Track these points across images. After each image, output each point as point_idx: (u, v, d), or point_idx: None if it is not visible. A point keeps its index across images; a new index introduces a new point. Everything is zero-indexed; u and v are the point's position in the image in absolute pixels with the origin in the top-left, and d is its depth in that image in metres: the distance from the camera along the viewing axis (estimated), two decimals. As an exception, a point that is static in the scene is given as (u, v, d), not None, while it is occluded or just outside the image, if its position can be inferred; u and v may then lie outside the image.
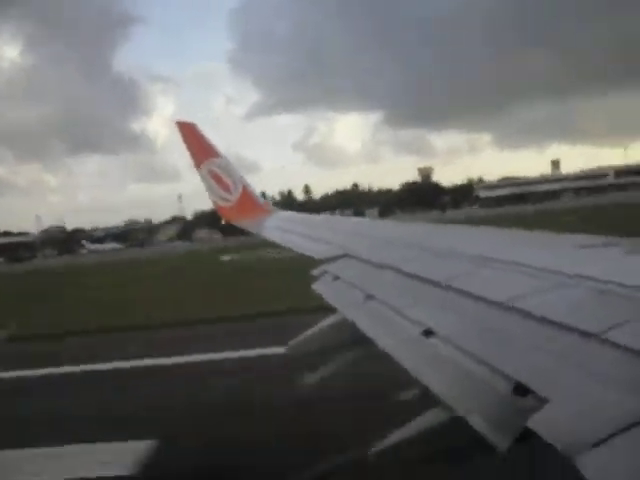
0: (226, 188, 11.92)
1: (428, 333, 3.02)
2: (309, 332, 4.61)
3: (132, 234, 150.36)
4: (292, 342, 4.66)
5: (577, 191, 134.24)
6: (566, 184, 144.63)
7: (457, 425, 2.28)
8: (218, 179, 11.89)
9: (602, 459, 1.64)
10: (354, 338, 3.78)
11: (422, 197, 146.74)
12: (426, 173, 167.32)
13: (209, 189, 11.95)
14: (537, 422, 1.89)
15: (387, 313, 3.63)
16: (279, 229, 9.70)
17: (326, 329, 4.44)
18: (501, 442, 2.02)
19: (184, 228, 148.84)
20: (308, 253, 6.52)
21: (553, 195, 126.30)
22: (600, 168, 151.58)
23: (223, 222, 12.39)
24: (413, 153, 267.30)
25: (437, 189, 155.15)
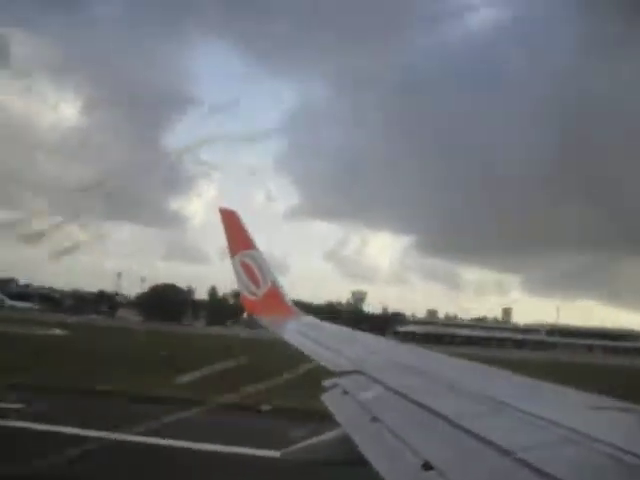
0: (255, 281, 12.04)
1: (428, 467, 2.99)
2: (308, 441, 4.56)
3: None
4: (287, 450, 4.61)
5: (501, 341, 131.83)
6: (491, 333, 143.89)
7: None
8: (249, 271, 12.04)
9: None
10: (352, 456, 3.73)
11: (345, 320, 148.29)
12: (359, 297, 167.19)
13: (238, 279, 12.08)
14: None
15: (390, 438, 3.60)
16: (300, 333, 9.70)
17: (326, 442, 4.39)
18: None
19: (112, 304, 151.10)
20: (323, 362, 6.52)
21: (479, 341, 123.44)
22: (544, 325, 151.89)
23: (246, 314, 12.45)
24: (440, 281, 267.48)
25: (360, 315, 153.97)
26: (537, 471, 2.61)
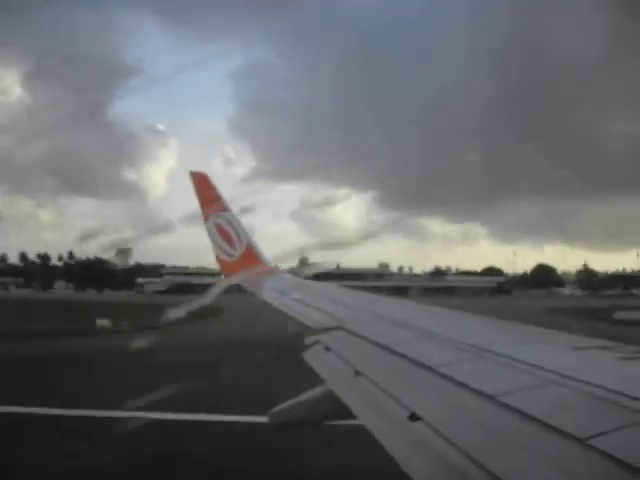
0: (231, 242, 11.96)
1: (414, 417, 3.00)
2: (293, 401, 4.57)
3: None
4: (275, 410, 4.60)
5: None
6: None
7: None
8: (224, 232, 11.95)
9: None
10: (339, 412, 3.75)
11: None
12: (123, 253, 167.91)
13: (213, 241, 11.99)
14: None
15: (375, 392, 3.61)
16: (278, 291, 9.69)
17: (311, 400, 4.40)
18: None
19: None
20: (303, 320, 6.52)
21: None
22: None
23: (222, 276, 12.40)
24: (407, 236, 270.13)
25: (106, 270, 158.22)
26: (522, 415, 2.64)
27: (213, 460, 11.72)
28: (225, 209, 12.11)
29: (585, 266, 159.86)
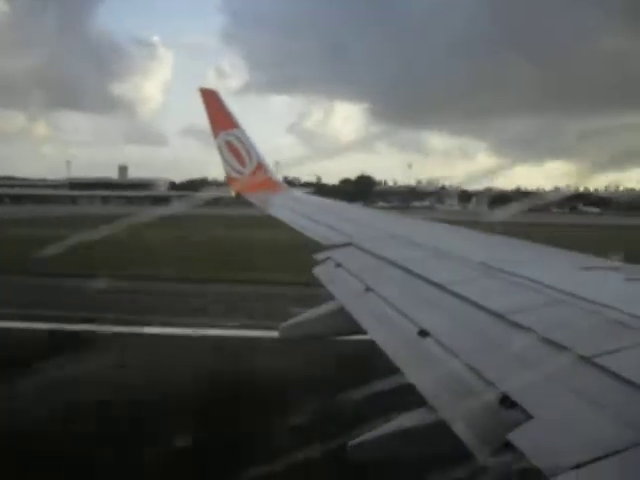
0: (241, 160, 11.89)
1: (424, 334, 3.04)
2: (303, 316, 4.62)
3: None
4: (285, 325, 4.66)
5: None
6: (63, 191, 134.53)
7: (440, 429, 2.30)
8: (234, 150, 11.86)
9: None
10: (350, 328, 3.80)
11: None
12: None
13: (223, 159, 11.92)
14: (519, 437, 1.91)
15: (385, 308, 3.65)
16: (287, 208, 9.68)
17: (322, 315, 4.45)
18: (481, 452, 2.04)
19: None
20: (313, 237, 6.53)
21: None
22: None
23: (233, 193, 12.39)
24: (405, 149, 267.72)
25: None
26: (529, 332, 2.67)
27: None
28: (235, 126, 11.97)
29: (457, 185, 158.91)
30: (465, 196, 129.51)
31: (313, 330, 4.55)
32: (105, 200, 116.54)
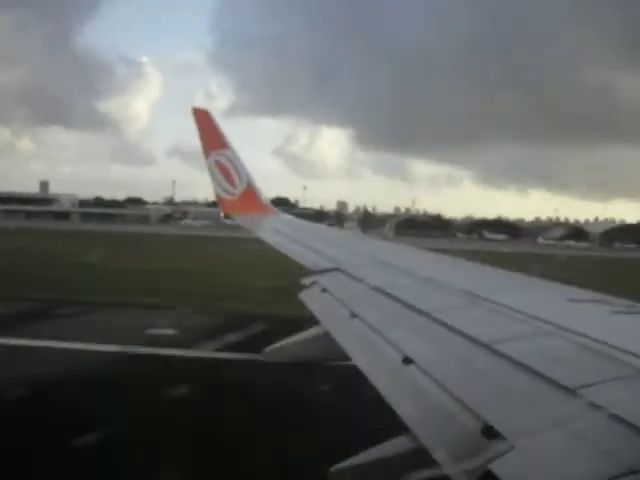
0: (231, 181, 11.90)
1: (408, 361, 3.03)
2: (288, 340, 4.60)
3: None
4: (269, 348, 4.64)
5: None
6: None
7: (422, 457, 2.29)
8: (224, 170, 11.87)
9: None
10: (334, 353, 3.78)
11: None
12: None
13: (213, 179, 11.92)
14: (500, 467, 1.91)
15: (370, 335, 3.64)
16: (277, 232, 9.68)
17: (306, 340, 4.43)
18: None
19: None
20: (300, 261, 6.53)
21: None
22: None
23: (222, 215, 12.38)
24: (392, 176, 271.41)
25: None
26: (514, 363, 2.67)
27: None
28: (226, 146, 12.00)
29: (365, 208, 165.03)
30: (367, 219, 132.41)
31: (297, 354, 4.53)
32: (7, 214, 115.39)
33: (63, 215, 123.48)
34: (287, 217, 12.60)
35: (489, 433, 2.15)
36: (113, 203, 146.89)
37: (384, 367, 3.15)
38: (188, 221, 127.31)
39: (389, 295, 4.37)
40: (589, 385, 2.28)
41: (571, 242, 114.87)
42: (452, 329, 3.32)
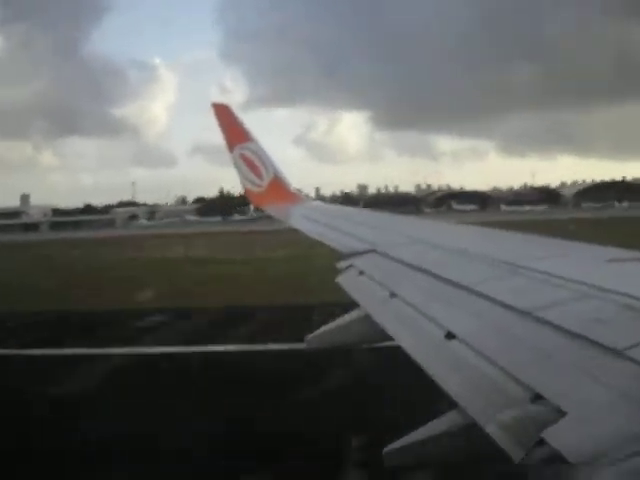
0: (257, 173, 11.94)
1: (450, 336, 3.03)
2: (329, 326, 4.61)
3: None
4: (311, 336, 4.66)
5: None
6: None
7: (473, 431, 2.29)
8: (250, 163, 11.92)
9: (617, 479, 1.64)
10: (376, 335, 3.79)
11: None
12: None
13: (240, 173, 11.98)
14: (553, 435, 1.90)
15: (411, 313, 3.64)
16: (307, 218, 9.69)
17: (347, 324, 4.44)
18: (516, 452, 2.03)
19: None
20: (334, 245, 6.54)
21: None
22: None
23: (252, 207, 12.44)
24: (415, 155, 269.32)
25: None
26: (557, 328, 2.65)
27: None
28: (250, 139, 12.03)
29: (387, 188, 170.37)
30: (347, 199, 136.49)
31: (340, 339, 4.55)
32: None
33: (32, 226, 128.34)
34: (316, 203, 12.61)
35: (539, 401, 2.15)
36: (89, 210, 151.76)
37: (427, 344, 3.15)
38: (143, 221, 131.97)
39: (427, 272, 4.35)
40: (636, 345, 2.26)
41: (540, 207, 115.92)
42: (492, 300, 3.30)
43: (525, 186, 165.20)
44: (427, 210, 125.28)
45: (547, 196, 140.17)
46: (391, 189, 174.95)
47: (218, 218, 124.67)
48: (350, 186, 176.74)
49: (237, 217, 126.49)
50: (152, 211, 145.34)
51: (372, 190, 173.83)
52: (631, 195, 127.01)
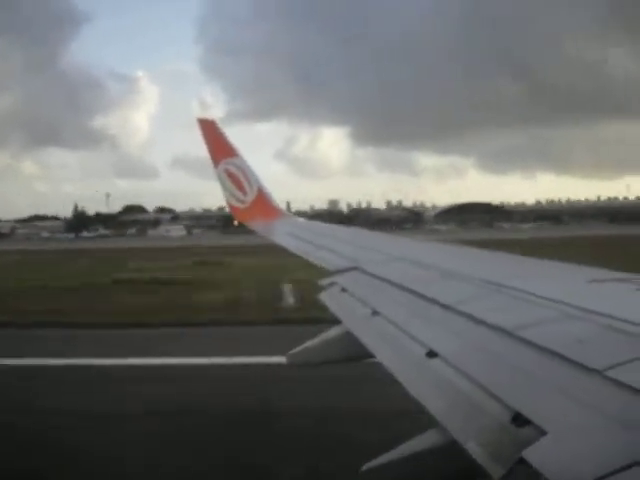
0: (241, 188, 11.92)
1: (432, 354, 3.02)
2: (311, 342, 4.60)
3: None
4: (293, 351, 4.64)
5: None
6: None
7: (452, 449, 2.28)
8: (234, 179, 11.90)
9: None
10: (358, 352, 3.78)
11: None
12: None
13: (224, 188, 11.96)
14: (533, 454, 1.89)
15: (392, 331, 3.63)
16: (291, 235, 9.69)
17: (329, 341, 4.43)
18: (495, 470, 2.02)
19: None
20: (318, 262, 6.53)
21: None
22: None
23: (235, 223, 12.42)
24: (396, 170, 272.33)
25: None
26: (539, 348, 2.65)
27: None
28: (235, 155, 12.02)
29: (359, 205, 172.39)
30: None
31: (321, 356, 4.53)
32: None
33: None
34: (300, 220, 12.60)
35: (519, 421, 2.14)
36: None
37: (408, 362, 3.14)
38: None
39: (409, 290, 4.35)
40: (617, 365, 2.26)
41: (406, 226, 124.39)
42: (474, 319, 3.30)
43: (390, 204, 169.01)
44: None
45: (414, 216, 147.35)
46: (364, 205, 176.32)
47: (72, 235, 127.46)
48: (324, 201, 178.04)
49: (85, 234, 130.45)
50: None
51: (342, 206, 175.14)
52: (497, 217, 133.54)
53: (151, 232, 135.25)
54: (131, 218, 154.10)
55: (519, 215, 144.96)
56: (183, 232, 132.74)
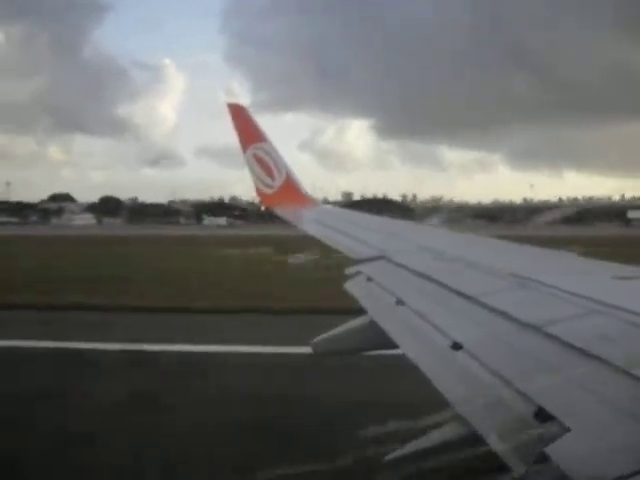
0: (270, 173, 11.93)
1: (457, 346, 3.02)
2: (335, 331, 4.62)
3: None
4: (317, 340, 4.66)
5: None
6: None
7: (474, 442, 2.29)
8: (263, 164, 11.91)
9: None
10: (382, 342, 3.79)
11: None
12: None
13: (252, 173, 11.97)
14: (556, 450, 1.89)
15: (417, 321, 3.64)
16: (318, 222, 9.69)
17: (353, 330, 4.44)
18: (517, 465, 2.02)
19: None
20: (345, 251, 6.54)
21: None
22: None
23: (263, 208, 12.44)
24: (420, 164, 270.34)
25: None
26: (563, 344, 2.64)
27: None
28: (264, 140, 12.03)
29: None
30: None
31: (344, 345, 4.55)
32: None
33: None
34: (327, 207, 12.60)
35: (542, 416, 2.14)
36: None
37: (432, 353, 3.15)
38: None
39: (435, 281, 4.35)
40: None
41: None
42: (499, 312, 3.29)
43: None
44: (182, 221, 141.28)
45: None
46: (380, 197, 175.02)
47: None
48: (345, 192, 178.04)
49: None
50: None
51: (356, 198, 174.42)
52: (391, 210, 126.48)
53: (55, 221, 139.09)
54: (55, 207, 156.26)
55: (423, 211, 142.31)
56: (92, 221, 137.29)
